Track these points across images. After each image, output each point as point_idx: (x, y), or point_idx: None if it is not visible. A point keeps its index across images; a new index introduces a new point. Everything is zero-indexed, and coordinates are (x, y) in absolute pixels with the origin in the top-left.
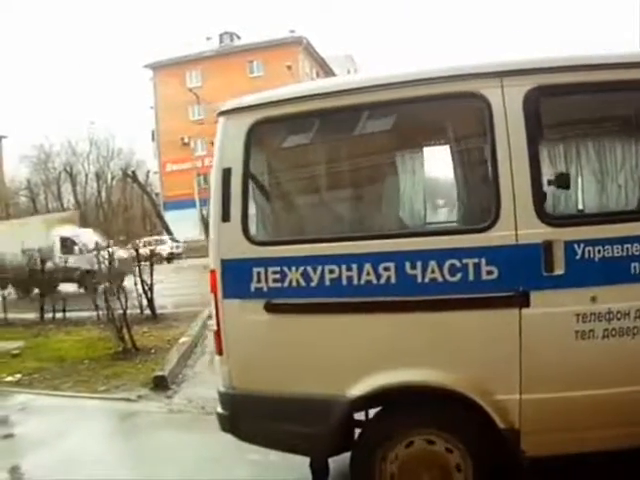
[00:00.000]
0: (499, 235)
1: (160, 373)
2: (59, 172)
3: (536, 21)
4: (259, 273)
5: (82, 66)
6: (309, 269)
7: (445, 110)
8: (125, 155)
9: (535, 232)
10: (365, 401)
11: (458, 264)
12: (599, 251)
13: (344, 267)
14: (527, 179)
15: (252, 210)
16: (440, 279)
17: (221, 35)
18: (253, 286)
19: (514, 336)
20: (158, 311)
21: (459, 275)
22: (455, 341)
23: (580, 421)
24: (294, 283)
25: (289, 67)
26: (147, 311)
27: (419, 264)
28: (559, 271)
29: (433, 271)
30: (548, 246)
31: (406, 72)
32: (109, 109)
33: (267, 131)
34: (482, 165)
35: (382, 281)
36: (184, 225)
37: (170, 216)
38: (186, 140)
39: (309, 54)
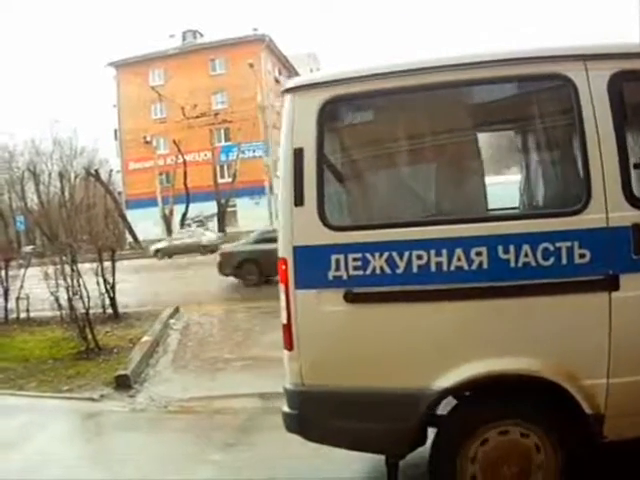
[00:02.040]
0: (591, 218)
1: (122, 372)
2: (23, 171)
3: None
4: (338, 260)
5: (45, 65)
6: (394, 255)
7: (529, 91)
8: (88, 154)
9: (625, 215)
10: (450, 393)
11: (552, 247)
12: None
13: (433, 252)
14: (615, 163)
15: (328, 193)
16: (533, 263)
17: (184, 33)
18: (331, 274)
19: (604, 320)
20: (120, 310)
21: (552, 259)
22: (545, 327)
23: None
24: (378, 270)
25: (251, 65)
26: (109, 310)
27: (512, 248)
28: None
29: (526, 255)
30: (637, 229)
31: (488, 52)
32: (73, 108)
33: (342, 108)
34: (570, 147)
35: (474, 267)
36: (146, 224)
37: (132, 215)
38: (148, 138)
39: (271, 52)
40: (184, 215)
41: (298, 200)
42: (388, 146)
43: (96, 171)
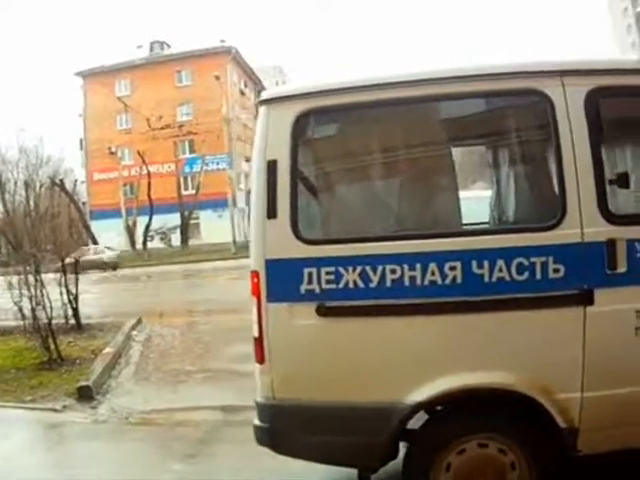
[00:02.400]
0: (566, 233)
1: (85, 383)
2: None
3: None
4: (310, 274)
5: (12, 72)
6: (368, 269)
7: (506, 106)
8: (54, 163)
9: (599, 230)
10: (422, 407)
11: (526, 262)
12: None
13: (407, 267)
14: (591, 178)
15: (301, 206)
16: (507, 278)
17: (151, 44)
18: (303, 288)
19: (578, 334)
20: (83, 321)
21: (526, 274)
22: (520, 341)
23: (638, 417)
24: (351, 284)
25: (217, 77)
26: (72, 321)
27: (486, 263)
28: (621, 269)
29: (501, 270)
30: (611, 244)
31: (464, 66)
32: (39, 116)
33: (316, 121)
34: (546, 163)
35: (447, 281)
36: (110, 234)
37: (96, 225)
38: (113, 149)
39: (237, 64)
40: (147, 226)
41: (271, 213)
42: (362, 160)
43: (61, 181)
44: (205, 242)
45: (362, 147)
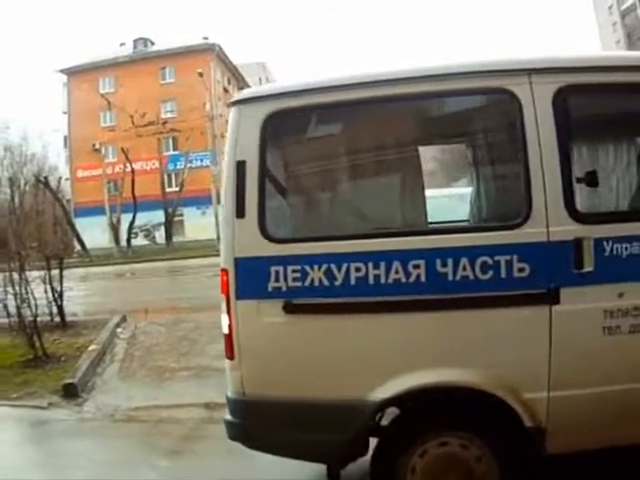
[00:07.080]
0: (531, 232)
1: (70, 381)
2: None
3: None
4: (277, 272)
5: None
6: (333, 267)
7: (473, 105)
8: (38, 160)
9: (566, 229)
10: (388, 404)
11: (490, 261)
12: (626, 248)
13: (371, 265)
14: (558, 177)
15: (269, 205)
16: (471, 277)
17: (135, 41)
18: (270, 286)
19: (544, 333)
20: (68, 318)
21: (491, 272)
22: (484, 340)
23: (606, 417)
24: (316, 282)
25: (200, 74)
26: (57, 318)
27: (450, 262)
28: (588, 268)
29: (465, 269)
30: (578, 243)
31: (433, 66)
32: (23, 113)
33: (285, 122)
34: (511, 161)
35: (411, 280)
36: (94, 232)
37: (80, 223)
38: (97, 146)
39: (221, 61)
40: (131, 223)
41: (239, 212)
42: (329, 160)
43: (45, 178)
44: (189, 239)
45: (330, 148)
